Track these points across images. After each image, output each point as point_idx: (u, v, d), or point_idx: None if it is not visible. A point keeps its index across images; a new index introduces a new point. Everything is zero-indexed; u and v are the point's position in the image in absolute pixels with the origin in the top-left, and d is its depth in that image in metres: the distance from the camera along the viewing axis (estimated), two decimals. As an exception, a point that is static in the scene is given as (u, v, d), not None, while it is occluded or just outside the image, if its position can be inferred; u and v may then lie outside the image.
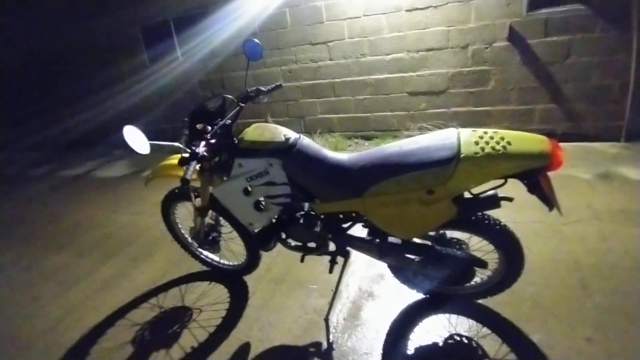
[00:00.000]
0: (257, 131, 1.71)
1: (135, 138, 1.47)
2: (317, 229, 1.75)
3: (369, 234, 1.75)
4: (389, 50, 4.13)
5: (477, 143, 1.33)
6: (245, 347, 1.83)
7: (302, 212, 1.76)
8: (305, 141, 1.68)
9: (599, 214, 2.48)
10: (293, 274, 2.31)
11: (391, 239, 1.68)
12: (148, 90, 5.48)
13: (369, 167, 1.49)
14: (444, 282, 1.78)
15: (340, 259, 1.89)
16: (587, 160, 3.29)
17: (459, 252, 1.65)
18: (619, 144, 3.57)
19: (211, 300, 2.18)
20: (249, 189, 1.69)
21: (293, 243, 1.91)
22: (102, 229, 3.35)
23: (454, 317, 1.83)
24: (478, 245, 1.67)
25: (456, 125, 4.00)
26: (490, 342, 1.67)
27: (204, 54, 5.00)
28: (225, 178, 1.76)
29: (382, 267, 2.02)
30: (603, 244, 2.20)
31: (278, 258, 2.42)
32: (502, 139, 1.32)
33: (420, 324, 1.83)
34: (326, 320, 1.92)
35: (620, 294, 1.82)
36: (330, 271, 1.83)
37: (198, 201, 1.94)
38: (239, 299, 2.17)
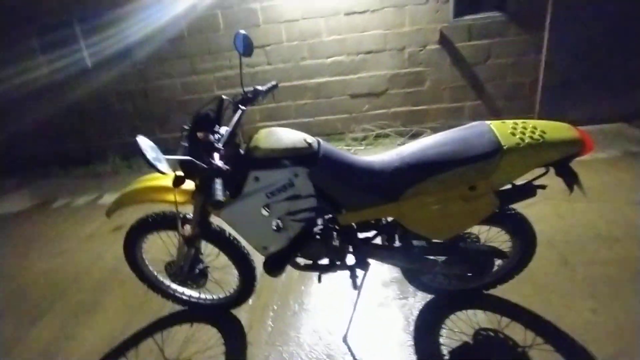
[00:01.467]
0: (272, 137, 1.48)
1: (151, 151, 1.15)
2: (337, 242, 1.59)
3: (386, 240, 1.65)
4: (329, 53, 4.10)
5: (513, 134, 1.33)
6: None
7: (321, 226, 1.57)
8: (327, 145, 1.50)
9: (546, 194, 2.78)
10: (287, 296, 2.09)
11: (416, 242, 1.60)
12: (50, 105, 4.54)
13: (405, 167, 1.39)
14: (464, 278, 1.78)
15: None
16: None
17: (481, 246, 1.65)
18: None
19: (201, 347, 1.83)
20: (268, 206, 1.45)
21: (303, 262, 1.71)
22: (13, 281, 2.62)
23: (470, 312, 1.83)
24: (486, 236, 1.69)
25: (399, 125, 4.17)
26: (515, 330, 1.70)
27: (119, 61, 4.34)
28: (229, 197, 1.49)
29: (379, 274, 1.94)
30: (563, 221, 2.45)
31: (263, 281, 2.15)
32: (535, 128, 1.34)
33: (442, 325, 1.78)
34: (344, 339, 1.76)
35: (597, 264, 2.03)
36: (355, 287, 1.67)
37: (187, 229, 1.61)
38: (235, 338, 1.87)
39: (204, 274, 1.81)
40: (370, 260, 1.69)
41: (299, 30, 4.02)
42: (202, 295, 2.02)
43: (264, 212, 1.46)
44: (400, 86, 4.21)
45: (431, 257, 1.63)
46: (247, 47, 1.63)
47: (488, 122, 1.43)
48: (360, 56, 4.11)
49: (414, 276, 1.83)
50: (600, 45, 3.77)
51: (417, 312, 1.88)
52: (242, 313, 2.00)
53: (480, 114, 4.24)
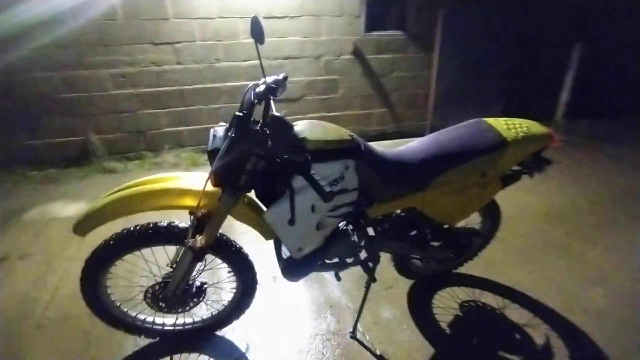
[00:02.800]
0: (317, 129, 1.44)
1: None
2: (364, 238, 1.65)
3: (402, 230, 1.76)
4: (246, 56, 4.05)
5: (509, 129, 1.64)
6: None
7: (352, 222, 1.60)
8: (360, 138, 1.55)
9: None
10: (274, 305, 2.02)
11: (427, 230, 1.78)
12: None
13: (432, 159, 1.55)
14: (448, 260, 2.05)
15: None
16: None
17: (466, 228, 1.94)
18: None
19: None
20: (316, 203, 1.41)
21: (319, 262, 1.70)
22: None
23: (449, 290, 2.11)
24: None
25: None
26: (488, 298, 2.05)
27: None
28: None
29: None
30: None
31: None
32: (521, 124, 1.68)
33: (432, 304, 2.01)
34: (354, 336, 1.82)
35: (521, 237, 2.59)
36: (375, 279, 1.73)
37: (200, 240, 1.42)
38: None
39: (202, 290, 1.61)
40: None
41: (214, 29, 3.86)
42: (186, 319, 1.79)
43: (312, 210, 1.42)
44: (316, 93, 4.44)
45: (434, 244, 1.84)
46: (259, 34, 1.56)
47: (485, 119, 1.72)
48: (278, 61, 4.19)
49: (405, 265, 2.02)
50: (475, 63, 4.75)
51: (406, 298, 2.06)
52: (231, 334, 1.84)
53: (385, 120, 4.81)
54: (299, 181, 1.35)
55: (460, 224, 1.86)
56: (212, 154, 1.28)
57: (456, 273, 2.22)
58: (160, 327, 1.75)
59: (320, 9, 4.11)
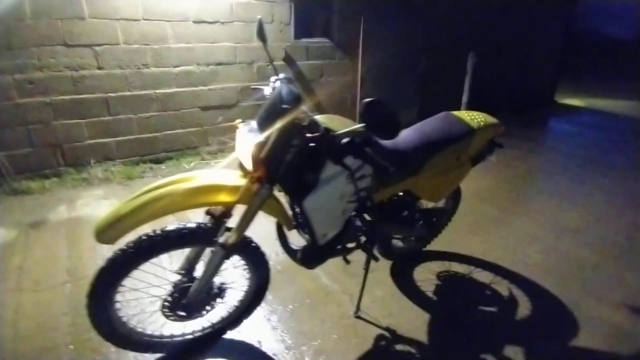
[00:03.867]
0: (336, 121, 1.56)
1: None
2: (368, 222, 1.82)
3: (397, 213, 1.99)
4: (177, 62, 3.91)
5: (472, 120, 2.00)
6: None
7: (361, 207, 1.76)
8: None
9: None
10: (277, 298, 2.07)
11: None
12: None
13: (421, 147, 1.81)
14: (423, 238, 2.35)
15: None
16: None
17: (436, 208, 2.26)
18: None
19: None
20: (344, 189, 1.53)
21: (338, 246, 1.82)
22: None
23: (425, 265, 2.41)
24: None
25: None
26: (458, 267, 2.40)
27: None
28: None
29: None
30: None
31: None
32: (478, 116, 2.06)
33: (415, 279, 2.28)
34: (358, 316, 1.98)
35: (470, 214, 3.06)
36: (377, 259, 1.90)
37: (230, 236, 1.43)
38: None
39: (222, 291, 1.61)
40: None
41: (139, 31, 3.65)
42: (195, 327, 1.73)
43: (339, 196, 1.54)
44: (250, 99, 4.49)
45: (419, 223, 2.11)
46: (262, 35, 1.65)
47: (452, 112, 2.05)
48: (211, 67, 4.14)
49: (388, 247, 2.25)
50: (394, 68, 5.33)
51: (390, 278, 2.30)
52: (236, 335, 1.84)
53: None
54: (328, 171, 1.47)
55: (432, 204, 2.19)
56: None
57: (426, 251, 2.53)
58: (170, 339, 1.68)
59: (251, 15, 4.20)
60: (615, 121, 6.76)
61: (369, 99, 1.26)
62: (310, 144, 1.36)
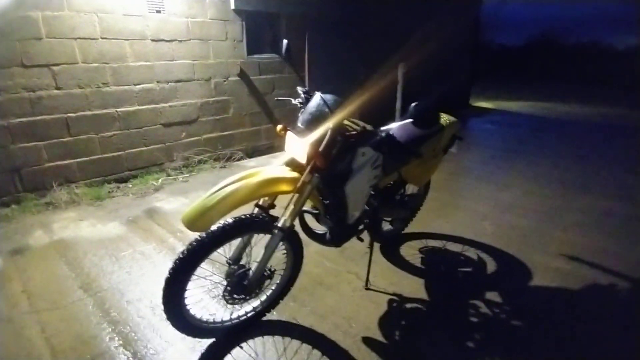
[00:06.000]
0: (348, 121, 1.93)
1: None
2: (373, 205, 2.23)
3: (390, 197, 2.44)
4: (137, 80, 4.00)
5: (440, 119, 2.53)
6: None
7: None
8: None
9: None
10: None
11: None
12: None
13: (411, 139, 2.27)
14: (407, 220, 2.83)
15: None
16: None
17: (415, 193, 2.76)
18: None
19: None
20: (369, 175, 1.91)
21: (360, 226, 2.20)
22: None
23: (408, 244, 2.89)
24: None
25: (212, 150, 4.68)
26: (434, 242, 2.92)
27: None
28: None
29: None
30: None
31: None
32: (443, 116, 2.59)
33: (403, 255, 2.74)
34: (368, 288, 2.37)
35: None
36: (378, 240, 2.31)
37: (286, 221, 1.73)
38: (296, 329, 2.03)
39: (272, 272, 1.88)
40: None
41: (98, 50, 3.69)
42: (243, 309, 1.98)
43: (367, 181, 1.92)
44: (209, 114, 4.68)
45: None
46: (289, 54, 1.98)
47: None
48: (171, 84, 4.27)
49: (378, 230, 2.69)
50: (336, 80, 5.87)
51: (382, 257, 2.73)
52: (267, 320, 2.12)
53: (272, 135, 5.41)
54: (359, 160, 1.86)
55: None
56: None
57: (404, 234, 3.01)
58: (221, 325, 1.90)
59: (207, 33, 4.44)
60: (521, 119, 8.12)
61: (416, 102, 1.67)
62: (351, 140, 1.74)
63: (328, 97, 1.84)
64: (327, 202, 1.93)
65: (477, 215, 3.42)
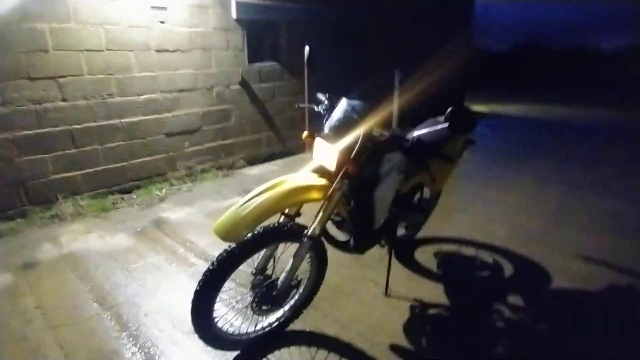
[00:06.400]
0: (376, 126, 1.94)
1: None
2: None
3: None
4: (141, 90, 3.97)
5: None
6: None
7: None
8: None
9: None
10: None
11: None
12: None
13: (431, 145, 2.26)
14: (420, 225, 2.84)
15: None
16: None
17: (427, 198, 2.77)
18: (307, 154, 5.68)
19: None
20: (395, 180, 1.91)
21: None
22: None
23: (423, 249, 2.89)
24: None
25: (214, 159, 4.66)
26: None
27: None
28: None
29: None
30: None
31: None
32: None
33: (419, 260, 2.74)
34: (388, 294, 2.36)
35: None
36: (396, 246, 2.30)
37: (316, 229, 1.72)
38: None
39: (299, 282, 1.87)
40: None
41: (104, 62, 3.67)
42: (267, 320, 1.96)
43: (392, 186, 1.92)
44: (211, 122, 4.66)
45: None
46: (312, 61, 1.97)
47: (436, 118, 2.58)
48: (174, 94, 4.25)
49: (393, 236, 2.68)
50: (334, 87, 5.88)
51: (399, 262, 2.72)
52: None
53: (273, 142, 5.42)
54: (386, 165, 1.86)
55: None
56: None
57: (418, 239, 3.01)
58: (247, 336, 1.87)
59: (209, 43, 4.44)
60: (515, 122, 8.23)
61: (453, 107, 1.65)
62: (381, 145, 1.74)
63: (355, 102, 1.84)
64: (353, 208, 1.93)
65: (486, 218, 3.44)
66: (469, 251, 2.88)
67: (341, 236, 2.15)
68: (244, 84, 4.87)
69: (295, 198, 1.68)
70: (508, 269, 2.67)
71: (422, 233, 3.00)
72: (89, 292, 2.38)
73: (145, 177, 4.18)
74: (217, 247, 2.87)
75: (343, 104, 1.87)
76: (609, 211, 3.59)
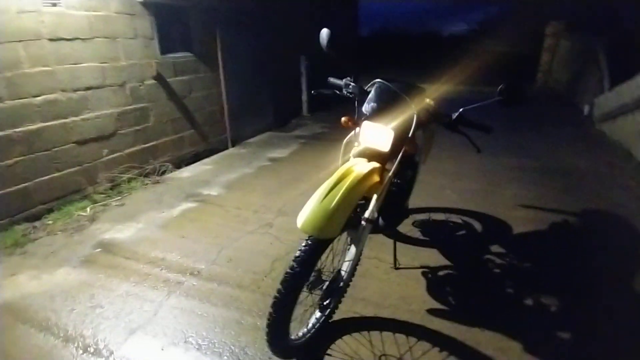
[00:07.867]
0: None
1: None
2: None
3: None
4: (37, 90, 3.20)
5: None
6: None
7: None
8: None
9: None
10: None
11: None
12: None
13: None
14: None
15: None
16: (244, 160, 4.91)
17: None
18: (232, 149, 5.40)
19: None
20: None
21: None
22: None
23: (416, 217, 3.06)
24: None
25: (138, 165, 4.14)
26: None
27: None
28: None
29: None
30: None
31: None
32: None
33: (411, 230, 2.88)
34: (397, 267, 2.45)
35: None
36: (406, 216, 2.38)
37: (372, 212, 1.64)
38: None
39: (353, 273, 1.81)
40: None
41: (-18, 57, 2.85)
42: (313, 317, 1.84)
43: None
44: (128, 125, 4.04)
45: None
46: (334, 43, 1.86)
47: None
48: (79, 93, 3.54)
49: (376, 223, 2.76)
50: (249, 77, 5.68)
51: (384, 236, 2.81)
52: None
53: (195, 141, 4.98)
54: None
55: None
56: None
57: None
58: (305, 336, 1.74)
59: (113, 30, 3.80)
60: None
61: (507, 82, 1.68)
62: (426, 123, 1.75)
63: (397, 83, 1.81)
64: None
65: (436, 186, 3.77)
66: (438, 217, 3.14)
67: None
68: (159, 78, 4.31)
69: (365, 184, 1.60)
70: (477, 225, 3.00)
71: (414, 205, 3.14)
72: (67, 344, 1.89)
73: (57, 196, 3.43)
74: (196, 259, 2.58)
75: (383, 86, 1.82)
76: (525, 167, 4.27)
